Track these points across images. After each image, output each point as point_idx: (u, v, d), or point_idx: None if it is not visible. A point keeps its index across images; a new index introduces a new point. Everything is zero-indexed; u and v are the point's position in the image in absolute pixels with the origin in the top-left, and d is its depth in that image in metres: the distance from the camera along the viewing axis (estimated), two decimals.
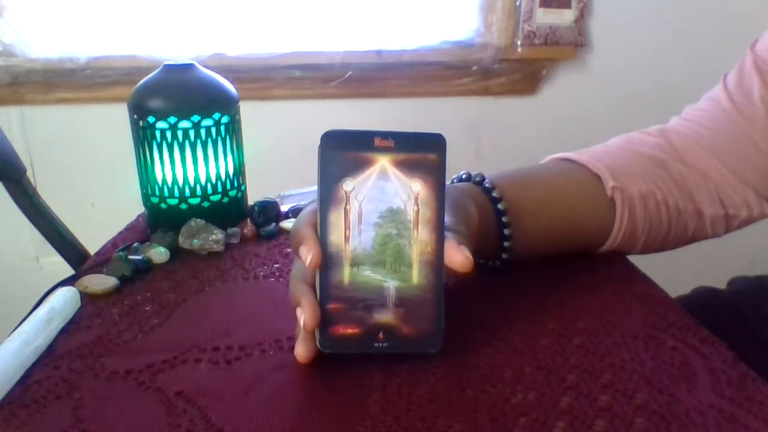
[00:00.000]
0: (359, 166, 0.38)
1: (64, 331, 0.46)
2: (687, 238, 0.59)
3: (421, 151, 0.38)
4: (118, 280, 0.53)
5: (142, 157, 0.62)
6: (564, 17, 1.55)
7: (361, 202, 0.38)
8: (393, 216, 0.38)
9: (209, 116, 0.61)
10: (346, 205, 0.38)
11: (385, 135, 0.38)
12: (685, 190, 0.57)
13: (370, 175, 0.38)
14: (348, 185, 0.38)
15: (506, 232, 0.50)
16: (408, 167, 0.38)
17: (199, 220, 0.61)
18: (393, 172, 0.38)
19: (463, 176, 0.53)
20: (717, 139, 0.57)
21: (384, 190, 0.38)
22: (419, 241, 0.39)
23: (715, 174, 0.57)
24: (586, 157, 0.57)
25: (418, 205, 0.38)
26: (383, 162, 0.38)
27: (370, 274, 0.39)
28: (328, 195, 0.38)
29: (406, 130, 0.38)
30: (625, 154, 0.58)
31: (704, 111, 0.59)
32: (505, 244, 0.51)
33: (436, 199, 0.38)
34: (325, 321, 0.38)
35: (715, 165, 0.57)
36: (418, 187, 0.38)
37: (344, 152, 0.38)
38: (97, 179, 1.59)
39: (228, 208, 0.65)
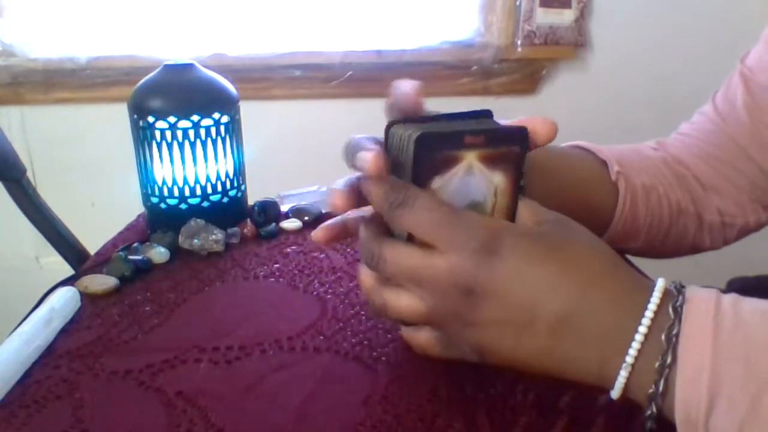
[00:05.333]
0: (448, 164, 0.36)
1: (64, 331, 0.46)
2: (686, 243, 0.59)
3: (507, 145, 0.37)
4: (118, 280, 0.53)
5: (142, 157, 0.62)
6: (564, 17, 1.55)
7: (446, 198, 0.37)
8: (473, 209, 0.37)
9: (209, 116, 0.61)
10: None
11: (476, 132, 0.36)
12: (687, 191, 0.58)
13: (458, 171, 0.37)
14: (435, 183, 0.37)
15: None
16: (492, 161, 0.37)
17: (199, 220, 0.61)
18: (478, 167, 0.37)
19: None
20: (705, 147, 0.59)
21: (468, 185, 0.37)
22: None
23: (710, 180, 0.58)
24: (595, 146, 0.58)
25: (496, 196, 0.38)
26: (470, 158, 0.37)
27: None
28: None
29: None
30: (630, 152, 0.59)
31: (693, 123, 0.62)
32: None
33: (513, 190, 0.38)
34: None
35: (709, 172, 0.58)
36: (499, 178, 0.37)
37: (437, 153, 0.36)
38: (97, 179, 1.59)
39: (228, 208, 0.65)
